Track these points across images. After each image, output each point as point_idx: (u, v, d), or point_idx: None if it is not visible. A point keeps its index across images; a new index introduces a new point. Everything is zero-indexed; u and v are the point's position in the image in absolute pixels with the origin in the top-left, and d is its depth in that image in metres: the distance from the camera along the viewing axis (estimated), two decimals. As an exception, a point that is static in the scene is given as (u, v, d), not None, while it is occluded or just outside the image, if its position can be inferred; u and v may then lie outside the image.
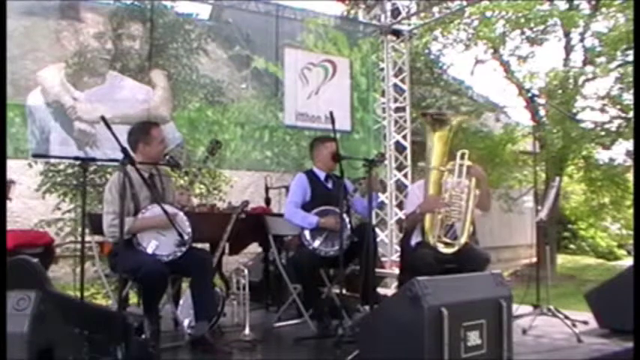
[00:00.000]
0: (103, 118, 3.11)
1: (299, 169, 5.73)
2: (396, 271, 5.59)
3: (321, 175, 4.35)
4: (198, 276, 3.65)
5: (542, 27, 10.35)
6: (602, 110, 10.31)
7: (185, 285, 4.06)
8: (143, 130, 3.78)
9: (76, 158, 3.45)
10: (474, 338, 2.79)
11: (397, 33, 7.67)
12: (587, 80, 10.06)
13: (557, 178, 4.88)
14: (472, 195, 3.89)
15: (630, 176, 10.46)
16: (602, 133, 10.33)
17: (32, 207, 7.56)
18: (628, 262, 11.22)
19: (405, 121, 7.63)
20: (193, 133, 6.11)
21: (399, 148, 7.61)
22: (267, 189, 5.75)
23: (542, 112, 10.30)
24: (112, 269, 3.70)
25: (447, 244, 3.87)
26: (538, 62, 17.49)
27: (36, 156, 5.54)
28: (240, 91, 6.61)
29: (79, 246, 4.03)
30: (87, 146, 5.43)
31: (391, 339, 2.81)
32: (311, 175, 4.36)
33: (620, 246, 14.84)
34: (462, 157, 3.92)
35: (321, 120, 6.76)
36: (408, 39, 7.84)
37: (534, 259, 5.02)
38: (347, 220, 4.00)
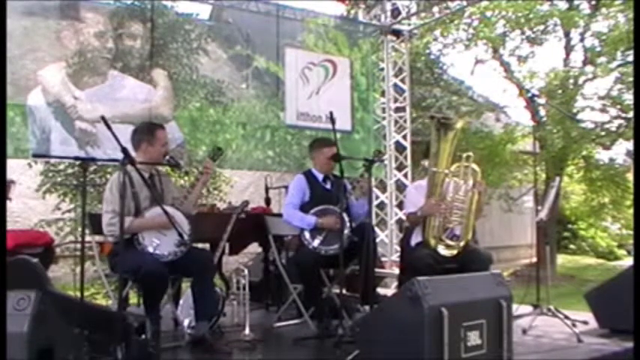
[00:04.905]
0: (103, 118, 3.11)
1: (300, 168, 5.74)
2: (396, 271, 5.59)
3: (320, 176, 4.36)
4: (199, 276, 3.65)
5: (542, 27, 10.35)
6: (602, 110, 10.31)
7: (185, 285, 4.06)
8: (149, 130, 3.78)
9: (76, 158, 3.46)
10: (474, 338, 2.80)
11: (397, 33, 7.67)
12: (587, 80, 10.05)
13: (557, 178, 4.88)
14: (474, 198, 3.89)
15: (630, 176, 10.46)
16: (602, 133, 10.34)
17: (32, 207, 7.56)
18: (628, 262, 11.22)
19: (405, 121, 7.63)
20: (194, 132, 6.12)
21: (399, 148, 7.61)
22: (267, 189, 5.75)
23: (542, 112, 10.30)
24: (112, 269, 3.70)
25: (448, 246, 3.87)
26: (538, 62, 17.51)
27: (36, 156, 5.55)
28: (240, 90, 6.61)
29: (79, 246, 4.03)
30: (88, 146, 5.43)
31: (391, 339, 2.81)
32: (310, 175, 4.37)
33: (620, 246, 14.84)
34: (467, 159, 3.91)
35: (322, 120, 6.76)
36: (408, 39, 7.84)
37: (534, 259, 5.01)
38: (346, 219, 4.00)
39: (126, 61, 5.80)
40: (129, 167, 3.04)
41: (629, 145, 10.25)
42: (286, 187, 4.89)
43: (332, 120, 3.77)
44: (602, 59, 9.85)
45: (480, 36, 10.37)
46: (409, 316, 2.70)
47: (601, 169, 11.00)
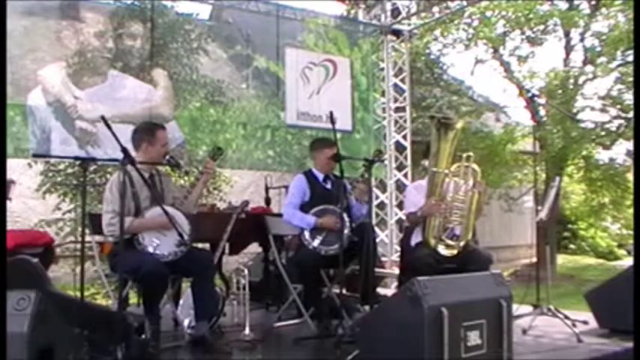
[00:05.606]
0: (103, 118, 3.11)
1: (301, 168, 5.73)
2: (396, 271, 5.59)
3: (320, 176, 4.36)
4: (199, 276, 3.65)
5: (542, 27, 10.34)
6: (602, 110, 10.31)
7: (185, 285, 4.06)
8: (149, 130, 3.78)
9: (76, 158, 3.45)
10: (474, 338, 2.80)
11: (397, 33, 7.67)
12: (587, 80, 10.05)
13: (557, 178, 4.87)
14: (474, 198, 3.89)
15: (630, 176, 10.45)
16: (602, 133, 10.33)
17: (32, 207, 7.55)
18: (628, 262, 11.22)
19: (405, 121, 7.63)
20: (195, 132, 6.12)
21: (399, 148, 7.62)
22: (267, 189, 5.75)
23: (542, 112, 10.30)
24: (112, 269, 3.70)
25: (448, 246, 3.87)
26: (538, 62, 17.51)
27: (36, 156, 5.55)
28: (240, 90, 6.61)
29: (79, 246, 4.03)
30: (88, 145, 5.43)
31: (391, 339, 2.81)
32: (310, 175, 4.37)
33: (620, 246, 14.83)
34: (467, 159, 3.91)
35: (323, 119, 6.76)
36: (408, 39, 7.85)
37: (534, 259, 5.01)
38: (346, 219, 4.00)
39: (126, 61, 5.81)
40: (129, 167, 3.04)
41: (629, 145, 10.24)
42: (286, 187, 4.89)
43: (332, 120, 3.77)
44: (602, 59, 9.84)
45: (480, 36, 10.36)
46: (409, 316, 2.70)
47: (601, 169, 10.99)
